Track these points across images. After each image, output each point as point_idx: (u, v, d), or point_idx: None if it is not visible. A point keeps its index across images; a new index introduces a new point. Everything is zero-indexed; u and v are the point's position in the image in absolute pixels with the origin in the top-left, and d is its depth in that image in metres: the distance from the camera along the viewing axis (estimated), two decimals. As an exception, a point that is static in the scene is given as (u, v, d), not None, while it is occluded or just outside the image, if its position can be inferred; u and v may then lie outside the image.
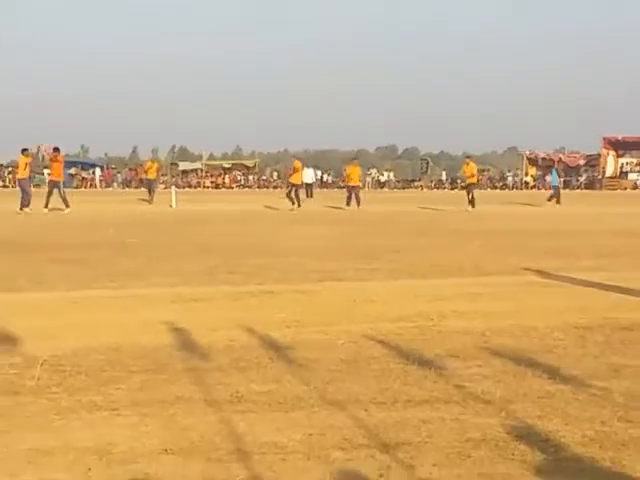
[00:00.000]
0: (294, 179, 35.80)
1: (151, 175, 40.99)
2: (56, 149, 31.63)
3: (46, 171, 32.32)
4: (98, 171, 79.33)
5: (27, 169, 31.12)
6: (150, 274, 12.50)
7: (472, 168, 35.28)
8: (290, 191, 35.06)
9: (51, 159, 31.52)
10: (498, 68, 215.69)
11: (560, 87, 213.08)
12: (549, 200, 39.45)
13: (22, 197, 30.06)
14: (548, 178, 74.33)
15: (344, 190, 41.05)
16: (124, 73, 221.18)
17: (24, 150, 31.47)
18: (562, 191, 42.26)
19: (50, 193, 30.35)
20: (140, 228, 22.61)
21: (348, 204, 34.65)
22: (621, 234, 20.68)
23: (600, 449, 4.76)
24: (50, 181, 31.55)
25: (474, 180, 35.58)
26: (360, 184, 37.54)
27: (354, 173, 36.53)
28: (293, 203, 34.27)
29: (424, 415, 5.41)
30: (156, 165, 44.53)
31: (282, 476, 4.36)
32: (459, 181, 70.24)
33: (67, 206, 29.88)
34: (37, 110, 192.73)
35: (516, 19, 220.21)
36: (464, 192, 36.04)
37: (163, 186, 56.93)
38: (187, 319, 8.64)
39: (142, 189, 52.20)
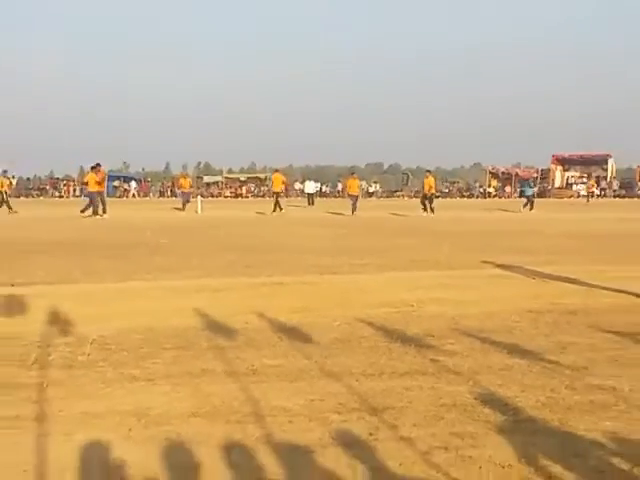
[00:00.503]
0: (274, 188, 37.13)
1: (184, 188, 40.66)
2: (98, 164, 31.54)
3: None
4: (133, 183, 79.19)
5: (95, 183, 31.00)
6: (180, 269, 12.51)
7: (430, 181, 34.75)
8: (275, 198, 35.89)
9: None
10: (468, 97, 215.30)
11: (516, 113, 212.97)
12: (525, 206, 39.38)
13: (88, 205, 30.30)
14: (507, 189, 74.71)
15: (339, 199, 40.95)
16: (158, 104, 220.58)
17: (93, 167, 31.36)
18: (518, 199, 42.04)
19: (98, 202, 30.42)
20: (172, 231, 22.62)
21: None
22: (567, 235, 20.70)
23: (550, 412, 4.78)
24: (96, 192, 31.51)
25: (433, 191, 35.19)
26: (358, 194, 37.09)
27: (354, 185, 36.43)
28: (280, 209, 34.78)
29: (405, 384, 5.42)
30: (189, 180, 44.28)
31: (289, 435, 4.37)
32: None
33: (104, 212, 29.95)
34: (85, 131, 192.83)
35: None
36: (425, 201, 35.06)
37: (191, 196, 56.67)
38: (211, 306, 8.66)
39: (174, 199, 52.22)
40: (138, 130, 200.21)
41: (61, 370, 5.84)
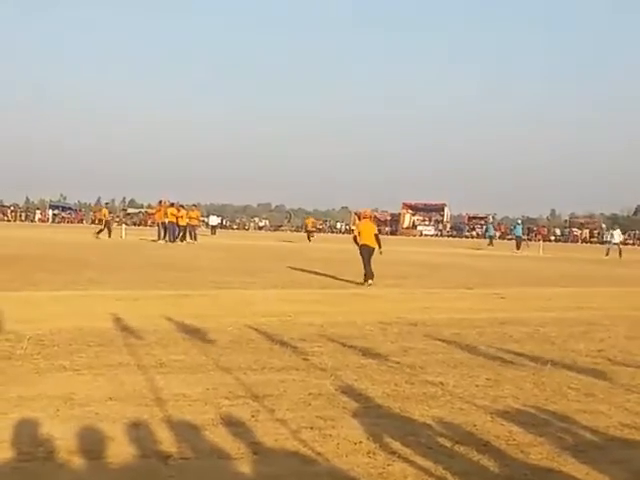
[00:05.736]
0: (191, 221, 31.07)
1: (171, 219, 30.35)
2: (160, 201, 30.32)
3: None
4: (50, 211, 76.17)
5: (163, 215, 29.28)
6: (103, 281, 12.19)
7: (198, 214, 32.56)
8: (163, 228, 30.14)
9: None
10: (341, 155, 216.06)
11: (377, 168, 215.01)
12: (489, 244, 41.45)
13: (159, 232, 29.65)
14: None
15: (237, 231, 39.29)
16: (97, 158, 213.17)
17: (160, 202, 30.20)
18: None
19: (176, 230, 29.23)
20: (100, 250, 22.03)
21: (182, 239, 29.70)
22: (411, 264, 21.19)
23: (393, 401, 4.86)
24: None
25: (196, 222, 31.77)
26: (199, 224, 34.03)
27: (194, 214, 31.35)
28: (191, 239, 30.47)
29: (282, 377, 5.42)
30: (173, 211, 37.11)
31: (187, 416, 4.32)
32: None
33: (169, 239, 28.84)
34: (27, 168, 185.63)
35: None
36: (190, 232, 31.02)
37: (116, 224, 54.57)
38: (127, 311, 8.47)
39: (100, 226, 50.42)
40: (74, 171, 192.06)
41: (1, 361, 5.61)
